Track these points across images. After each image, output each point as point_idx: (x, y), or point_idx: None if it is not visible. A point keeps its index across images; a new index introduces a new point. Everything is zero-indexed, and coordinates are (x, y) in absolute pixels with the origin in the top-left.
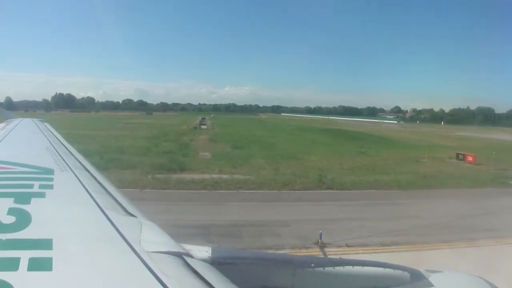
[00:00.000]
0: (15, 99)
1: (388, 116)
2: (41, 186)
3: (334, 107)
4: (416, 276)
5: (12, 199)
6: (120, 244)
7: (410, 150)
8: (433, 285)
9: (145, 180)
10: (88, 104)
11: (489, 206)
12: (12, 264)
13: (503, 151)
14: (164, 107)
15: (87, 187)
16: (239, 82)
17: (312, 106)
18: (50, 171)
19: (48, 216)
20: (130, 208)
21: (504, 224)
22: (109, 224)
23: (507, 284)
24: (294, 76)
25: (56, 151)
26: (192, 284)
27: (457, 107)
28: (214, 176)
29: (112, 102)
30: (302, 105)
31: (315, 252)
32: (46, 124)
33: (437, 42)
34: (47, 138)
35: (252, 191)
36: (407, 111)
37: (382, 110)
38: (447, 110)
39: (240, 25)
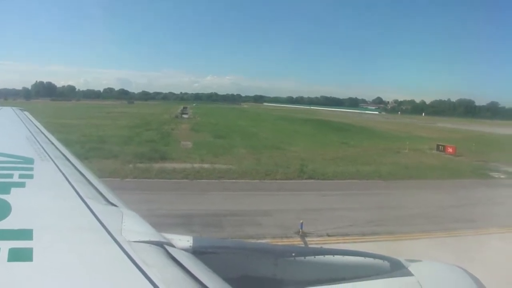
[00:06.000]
0: None
1: (370, 107)
2: (21, 176)
3: (316, 97)
4: (396, 265)
5: None
6: (101, 234)
7: (391, 141)
8: (412, 274)
9: (126, 169)
10: (69, 93)
11: (468, 197)
12: None
13: (482, 143)
14: (145, 96)
15: (67, 176)
16: (222, 71)
17: (294, 96)
18: (30, 161)
19: (28, 206)
20: (111, 198)
21: (483, 215)
22: (90, 213)
23: (483, 272)
24: (277, 66)
25: (36, 140)
26: (174, 274)
27: (438, 99)
28: (196, 165)
29: (93, 91)
30: (284, 95)
31: (296, 241)
32: (26, 113)
33: (419, 35)
34: (27, 127)
35: (233, 180)
36: (388, 102)
37: (364, 101)
38: (428, 101)
39: (223, 15)
